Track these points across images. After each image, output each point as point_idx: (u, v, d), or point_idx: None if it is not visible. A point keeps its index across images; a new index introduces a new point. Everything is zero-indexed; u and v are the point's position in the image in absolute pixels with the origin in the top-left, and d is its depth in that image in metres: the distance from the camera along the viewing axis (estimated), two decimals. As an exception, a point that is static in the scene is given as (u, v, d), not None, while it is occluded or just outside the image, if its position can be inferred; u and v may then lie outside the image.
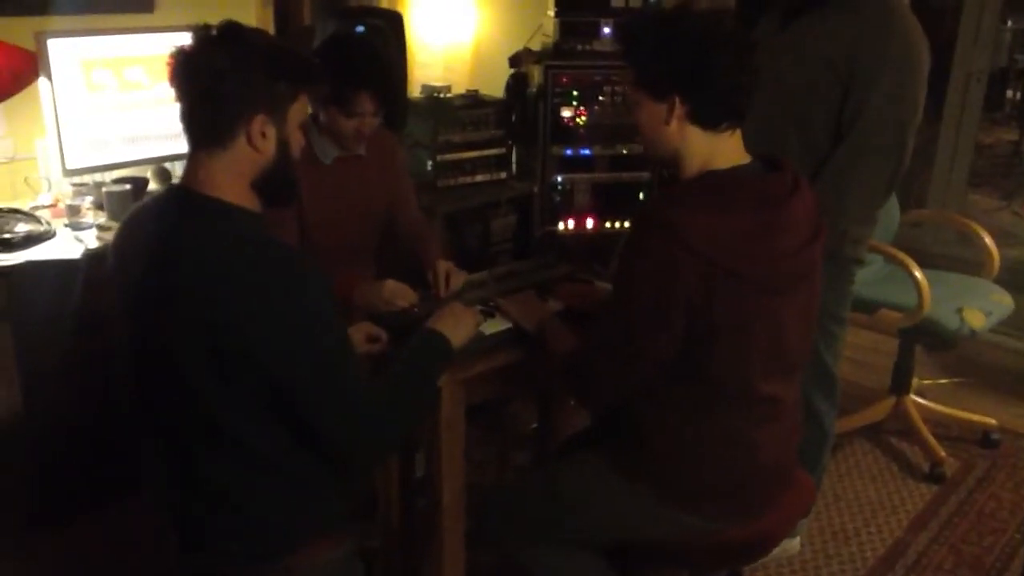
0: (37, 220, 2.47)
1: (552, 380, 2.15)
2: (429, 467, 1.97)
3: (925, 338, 2.95)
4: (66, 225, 2.51)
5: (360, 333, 1.86)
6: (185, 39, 1.36)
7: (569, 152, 3.28)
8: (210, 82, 1.33)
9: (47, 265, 2.31)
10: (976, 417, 3.16)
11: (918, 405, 3.12)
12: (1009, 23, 5.79)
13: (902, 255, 2.79)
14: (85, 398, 2.42)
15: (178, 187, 1.43)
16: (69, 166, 2.58)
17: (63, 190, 2.70)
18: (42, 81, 2.51)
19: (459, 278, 2.14)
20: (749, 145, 1.60)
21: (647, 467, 1.67)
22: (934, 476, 2.90)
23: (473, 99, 3.38)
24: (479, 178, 3.29)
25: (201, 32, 1.36)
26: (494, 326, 1.92)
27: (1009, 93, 6.63)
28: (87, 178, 2.69)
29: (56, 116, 2.53)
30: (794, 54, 2.10)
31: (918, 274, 2.74)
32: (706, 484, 1.66)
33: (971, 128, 4.19)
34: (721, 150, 1.56)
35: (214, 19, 1.38)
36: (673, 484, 1.66)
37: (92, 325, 2.32)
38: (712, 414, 1.61)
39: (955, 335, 2.82)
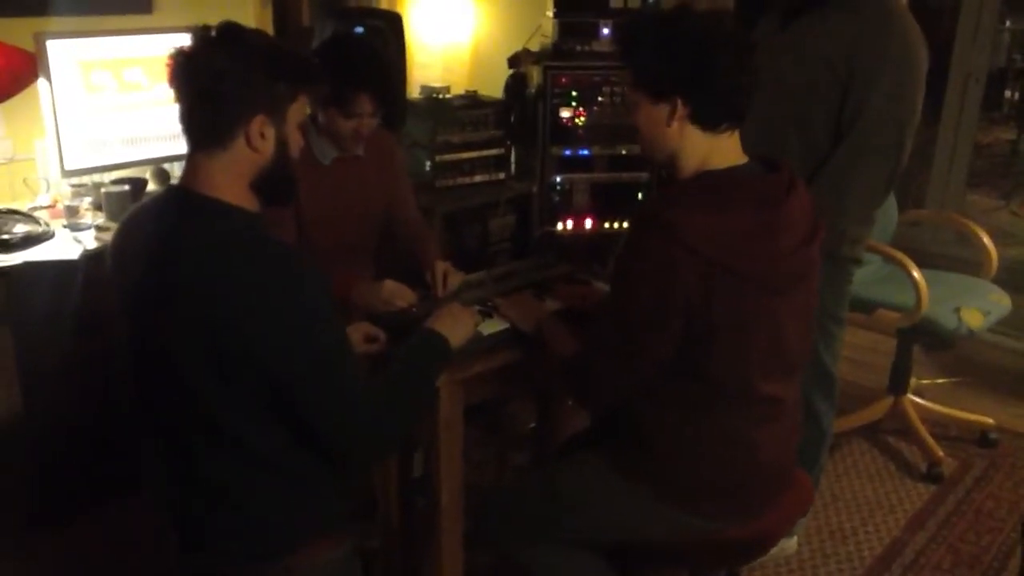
0: (36, 221, 2.47)
1: (551, 380, 2.15)
2: (428, 467, 1.98)
3: (923, 338, 2.96)
4: (65, 226, 2.51)
5: (358, 333, 1.86)
6: (184, 40, 1.37)
7: (568, 152, 3.27)
8: (209, 83, 1.33)
9: (46, 266, 2.31)
10: (974, 417, 3.16)
11: (916, 405, 3.12)
12: (1007, 23, 5.78)
13: (900, 255, 2.79)
14: (85, 398, 2.42)
15: (177, 187, 1.43)
16: (68, 167, 2.59)
17: (62, 191, 2.71)
18: (41, 82, 2.51)
19: (457, 278, 2.14)
20: (750, 145, 1.60)
21: (646, 467, 1.67)
22: (932, 475, 2.90)
23: (472, 99, 3.38)
24: (478, 178, 3.29)
25: (200, 33, 1.36)
26: (492, 326, 1.92)
27: (1007, 93, 6.61)
28: (86, 179, 2.70)
29: (55, 117, 2.53)
30: (794, 54, 2.10)
31: (916, 274, 2.74)
32: (705, 483, 1.66)
33: (969, 128, 4.19)
34: (719, 151, 1.56)
35: (213, 20, 1.38)
36: (672, 484, 1.66)
37: (91, 325, 2.33)
38: (711, 414, 1.61)
39: (953, 335, 2.83)
